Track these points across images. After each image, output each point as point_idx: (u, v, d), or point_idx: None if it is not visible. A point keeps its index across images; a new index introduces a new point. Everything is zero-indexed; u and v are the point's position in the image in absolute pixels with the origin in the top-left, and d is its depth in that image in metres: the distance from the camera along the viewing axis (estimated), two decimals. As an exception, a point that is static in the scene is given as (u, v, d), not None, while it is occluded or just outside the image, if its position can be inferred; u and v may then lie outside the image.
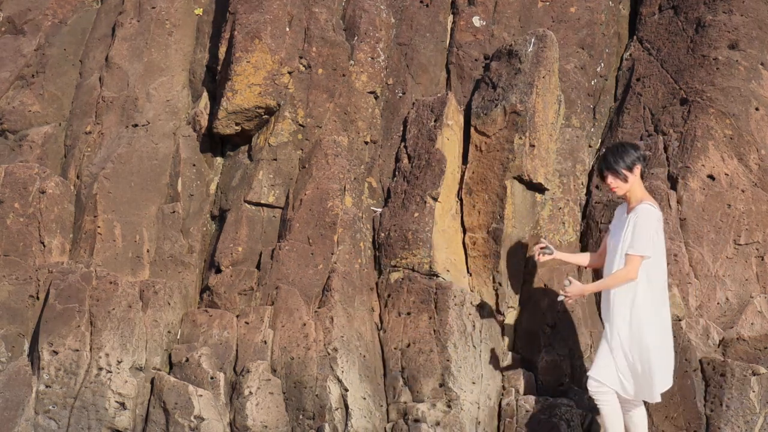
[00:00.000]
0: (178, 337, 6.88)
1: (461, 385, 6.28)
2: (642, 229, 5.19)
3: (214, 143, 7.79)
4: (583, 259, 5.87)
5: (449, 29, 7.83)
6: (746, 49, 6.80)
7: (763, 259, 6.38)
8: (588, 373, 5.42)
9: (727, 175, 6.52)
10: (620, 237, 5.31)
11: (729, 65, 6.74)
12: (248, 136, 7.54)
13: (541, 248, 5.62)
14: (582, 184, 7.15)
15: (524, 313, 6.73)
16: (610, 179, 5.33)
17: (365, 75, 7.59)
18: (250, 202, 7.25)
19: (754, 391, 5.78)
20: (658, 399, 5.32)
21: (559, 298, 5.43)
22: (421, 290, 6.60)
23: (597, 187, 7.03)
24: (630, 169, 5.30)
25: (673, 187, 6.57)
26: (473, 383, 6.32)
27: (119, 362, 6.51)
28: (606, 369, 5.31)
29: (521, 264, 6.75)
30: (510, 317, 6.73)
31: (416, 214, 6.82)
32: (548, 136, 7.00)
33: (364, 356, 6.48)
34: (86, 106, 8.11)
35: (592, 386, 5.35)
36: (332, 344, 6.39)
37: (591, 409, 6.06)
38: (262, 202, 7.25)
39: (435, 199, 6.84)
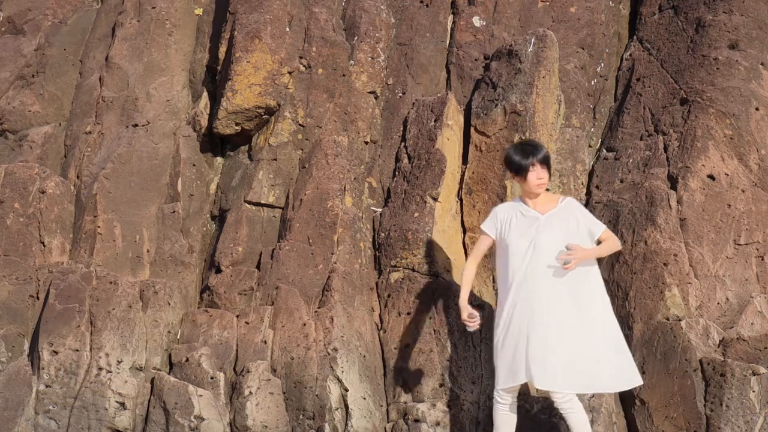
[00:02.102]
0: (178, 337, 6.88)
1: (461, 385, 6.28)
2: (587, 212, 5.50)
3: (214, 143, 7.79)
4: (471, 280, 5.61)
5: (449, 29, 7.83)
6: (746, 49, 6.80)
7: (763, 259, 6.38)
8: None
9: (727, 175, 6.52)
10: (556, 231, 5.28)
11: (729, 65, 6.74)
12: (248, 136, 7.54)
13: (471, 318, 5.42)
14: (582, 184, 7.15)
15: (524, 313, 6.73)
16: (543, 171, 5.34)
17: (365, 75, 7.59)
18: (250, 202, 7.25)
19: (754, 391, 5.78)
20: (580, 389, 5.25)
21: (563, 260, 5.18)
22: (421, 290, 6.60)
23: (597, 187, 7.04)
24: (550, 163, 5.44)
25: (673, 187, 6.57)
26: (473, 383, 6.32)
27: (119, 362, 6.51)
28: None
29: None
30: (510, 317, 6.73)
31: (416, 214, 6.82)
32: (548, 136, 7.00)
33: (364, 356, 6.48)
34: (86, 106, 8.11)
35: (558, 397, 5.25)
36: (332, 344, 6.39)
37: (591, 410, 6.06)
38: (262, 202, 7.26)
39: (435, 199, 6.85)
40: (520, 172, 5.34)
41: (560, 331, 5.19)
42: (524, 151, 5.36)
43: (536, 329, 5.20)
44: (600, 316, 5.29)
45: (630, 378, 5.33)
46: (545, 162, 5.34)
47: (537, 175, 5.31)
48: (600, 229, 5.41)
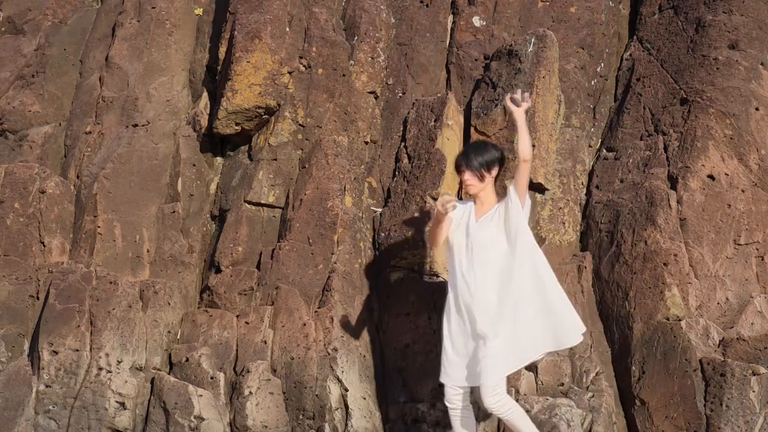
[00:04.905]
0: (178, 337, 6.89)
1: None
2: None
3: (214, 143, 7.79)
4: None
5: (449, 29, 7.83)
6: (746, 49, 6.79)
7: (763, 259, 6.38)
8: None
9: (727, 175, 6.52)
10: (488, 229, 5.22)
11: (729, 65, 6.74)
12: (248, 136, 7.54)
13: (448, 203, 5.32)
14: (582, 184, 7.15)
15: (524, 313, 6.73)
16: (467, 175, 5.29)
17: (365, 75, 7.59)
18: (250, 202, 7.25)
19: (754, 391, 5.78)
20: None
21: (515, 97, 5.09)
22: (421, 290, 6.60)
23: (597, 186, 7.04)
24: (488, 168, 5.29)
25: (673, 187, 6.57)
26: (473, 383, 6.32)
27: (119, 362, 6.51)
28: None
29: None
30: (510, 317, 6.72)
31: (416, 214, 6.82)
32: (548, 136, 7.00)
33: (364, 356, 6.48)
34: (86, 106, 8.11)
35: (491, 402, 5.14)
36: (332, 344, 6.40)
37: (591, 410, 6.06)
38: (262, 202, 7.26)
39: (435, 199, 6.84)
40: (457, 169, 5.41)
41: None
42: (462, 154, 5.44)
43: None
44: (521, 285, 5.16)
45: (558, 339, 5.20)
46: (473, 167, 5.27)
47: (464, 176, 5.33)
48: (510, 183, 5.26)
